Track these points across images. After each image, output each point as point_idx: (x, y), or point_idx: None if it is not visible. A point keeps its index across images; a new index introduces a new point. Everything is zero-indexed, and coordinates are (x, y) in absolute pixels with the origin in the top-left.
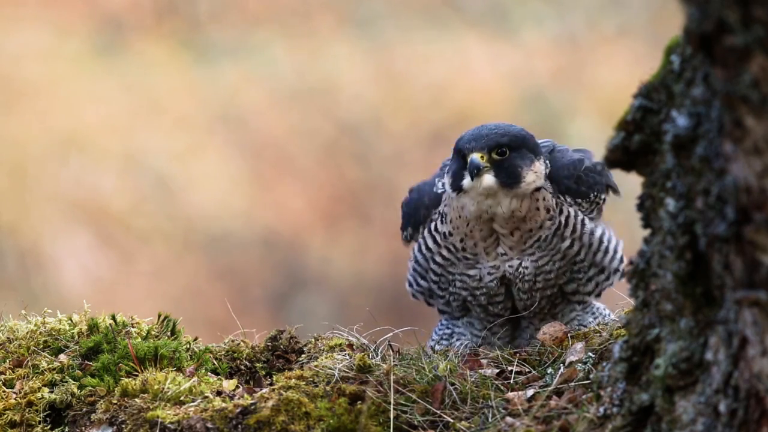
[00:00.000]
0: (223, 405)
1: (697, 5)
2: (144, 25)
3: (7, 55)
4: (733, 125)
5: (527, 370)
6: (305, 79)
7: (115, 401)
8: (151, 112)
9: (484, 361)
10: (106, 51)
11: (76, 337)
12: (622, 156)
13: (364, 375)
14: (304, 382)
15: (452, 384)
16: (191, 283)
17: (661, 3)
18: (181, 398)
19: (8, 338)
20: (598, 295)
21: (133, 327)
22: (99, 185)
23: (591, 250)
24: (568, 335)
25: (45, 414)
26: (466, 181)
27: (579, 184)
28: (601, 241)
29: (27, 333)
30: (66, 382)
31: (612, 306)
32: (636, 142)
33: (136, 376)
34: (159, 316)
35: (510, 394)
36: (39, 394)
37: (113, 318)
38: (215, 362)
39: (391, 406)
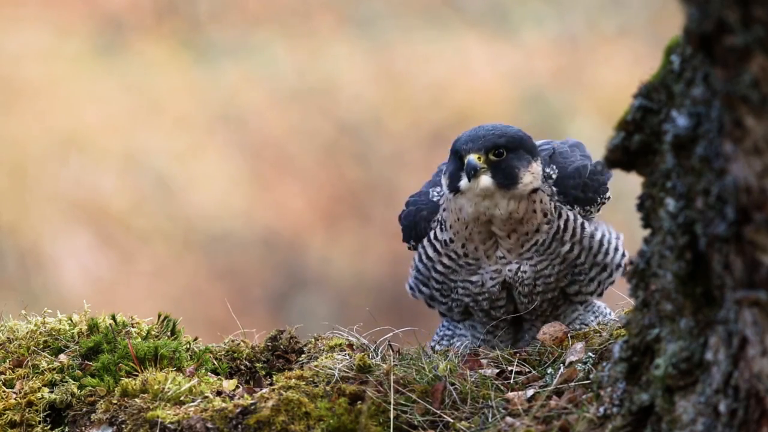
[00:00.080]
0: (223, 405)
1: (697, 5)
2: (144, 25)
3: (7, 55)
4: (733, 125)
5: (527, 370)
6: (305, 79)
7: (115, 401)
8: (151, 112)
9: (484, 361)
10: (106, 51)
11: (76, 337)
12: (622, 156)
13: (364, 375)
14: (304, 382)
15: (452, 384)
16: (191, 283)
17: (661, 3)
18: (181, 398)
19: (8, 338)
20: (600, 294)
21: (133, 327)
22: (99, 185)
23: (591, 252)
24: (568, 335)
25: (45, 414)
26: (464, 182)
27: (586, 191)
28: (601, 243)
29: (27, 333)
30: (66, 382)
31: (612, 306)
32: (636, 142)
33: (136, 376)
34: (159, 316)
35: (510, 394)
36: (39, 394)
37: (113, 318)
38: (215, 362)
39: (391, 406)
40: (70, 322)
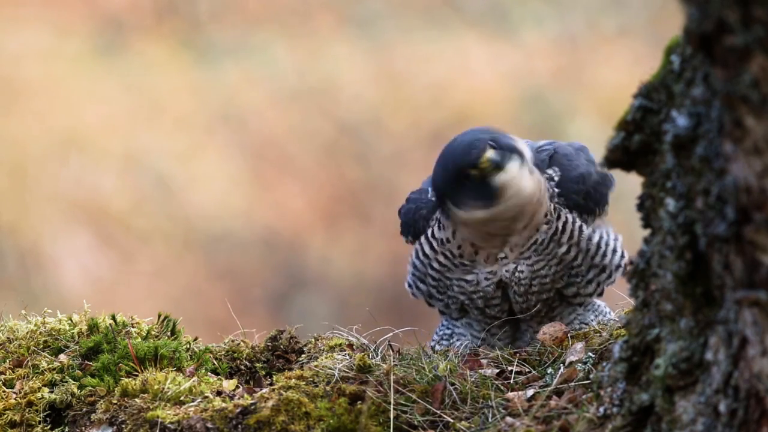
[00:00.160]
0: (223, 405)
1: (697, 5)
2: (144, 25)
3: (7, 55)
4: (733, 125)
5: (527, 370)
6: (305, 79)
7: (115, 401)
8: (151, 112)
9: (484, 361)
10: (106, 51)
11: (76, 337)
12: (622, 156)
13: (364, 375)
14: (304, 382)
15: (452, 384)
16: (191, 283)
17: (661, 3)
18: (181, 398)
19: (8, 338)
20: (600, 294)
21: (133, 327)
22: (99, 185)
23: (589, 255)
24: (568, 335)
25: (45, 414)
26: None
27: (587, 200)
28: (599, 246)
29: (27, 333)
30: (66, 382)
31: (612, 306)
32: (636, 142)
33: (136, 376)
34: (159, 316)
35: (510, 394)
36: (39, 394)
37: (113, 318)
38: (215, 362)
39: (391, 406)
40: (70, 322)
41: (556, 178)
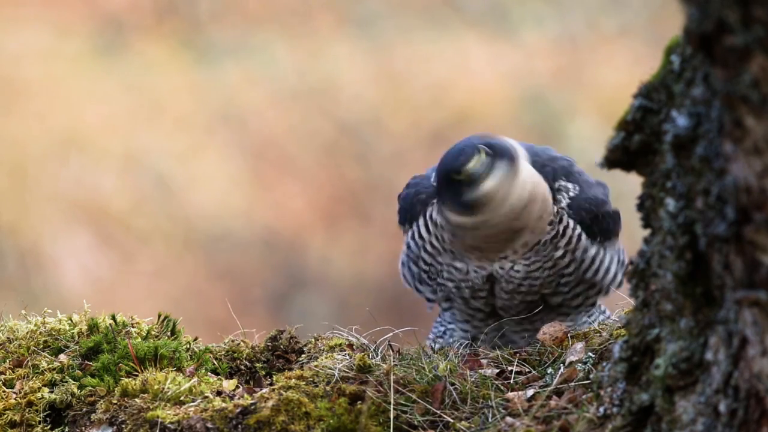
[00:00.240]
0: (223, 405)
1: (697, 5)
2: (144, 25)
3: (7, 55)
4: (733, 125)
5: (527, 370)
6: (305, 79)
7: (115, 401)
8: (151, 112)
9: (484, 361)
10: (106, 51)
11: (76, 337)
12: (622, 156)
13: (364, 375)
14: (304, 382)
15: (452, 384)
16: (191, 283)
17: (661, 3)
18: (181, 398)
19: (8, 338)
20: (593, 305)
21: (133, 327)
22: (99, 185)
23: (582, 266)
24: (568, 335)
25: (45, 414)
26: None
27: (593, 223)
28: (593, 261)
29: (27, 333)
30: (66, 382)
31: (612, 306)
32: (636, 142)
33: (136, 376)
34: (159, 316)
35: (510, 394)
36: (39, 394)
37: (113, 318)
38: (215, 362)
39: (391, 406)
40: (70, 322)
41: (571, 193)
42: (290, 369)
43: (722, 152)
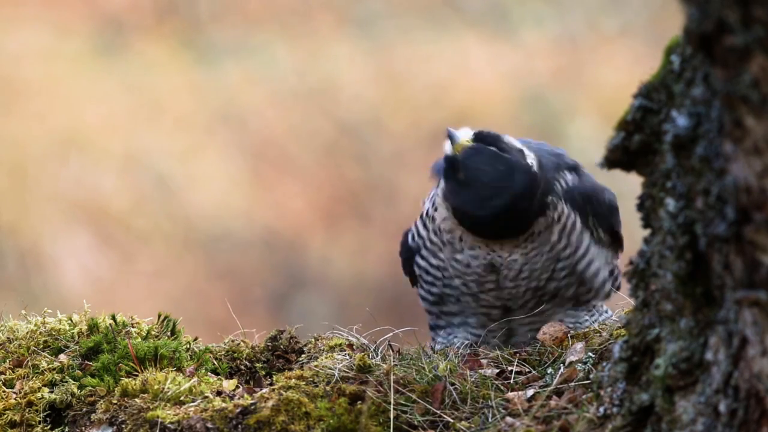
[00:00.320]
0: (223, 405)
1: (697, 5)
2: (144, 25)
3: (7, 55)
4: (733, 125)
5: (527, 370)
6: (305, 79)
7: (115, 401)
8: (151, 112)
9: (484, 361)
10: (106, 51)
11: (76, 337)
12: (622, 156)
13: (364, 375)
14: (304, 382)
15: (452, 384)
16: (191, 283)
17: (661, 3)
18: (181, 398)
19: (8, 338)
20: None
21: (133, 327)
22: (99, 185)
23: (576, 254)
24: (568, 335)
25: (45, 414)
26: None
27: (586, 204)
28: (587, 252)
29: (27, 333)
30: (66, 382)
31: (612, 306)
32: (636, 142)
33: (136, 376)
34: (159, 316)
35: (510, 394)
36: (39, 394)
37: (113, 318)
38: (215, 362)
39: (391, 406)
40: (70, 322)
41: (570, 183)
42: (290, 369)
43: (722, 152)
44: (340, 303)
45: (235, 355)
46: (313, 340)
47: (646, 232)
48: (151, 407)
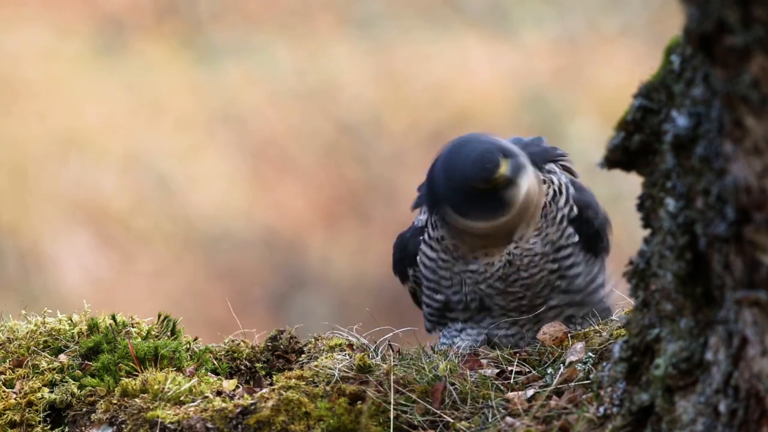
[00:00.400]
0: (223, 405)
1: (697, 5)
2: (144, 25)
3: (7, 55)
4: (733, 125)
5: (527, 370)
6: (305, 79)
7: (115, 401)
8: (151, 112)
9: (484, 361)
10: (107, 51)
11: (76, 337)
12: (622, 156)
13: (364, 375)
14: (304, 382)
15: (452, 384)
16: (191, 283)
17: (661, 3)
18: (181, 398)
19: (8, 338)
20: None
21: (133, 327)
22: (99, 185)
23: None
24: (568, 335)
25: (45, 414)
26: None
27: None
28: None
29: (27, 333)
30: (66, 382)
31: (612, 306)
32: (636, 142)
33: (136, 376)
34: (159, 316)
35: (510, 394)
36: (39, 394)
37: (113, 318)
38: (215, 362)
39: (391, 406)
40: (70, 322)
41: (561, 181)
42: (290, 369)
43: (722, 152)
44: (340, 303)
45: (235, 355)
46: (313, 340)
47: (646, 232)
48: (151, 407)
